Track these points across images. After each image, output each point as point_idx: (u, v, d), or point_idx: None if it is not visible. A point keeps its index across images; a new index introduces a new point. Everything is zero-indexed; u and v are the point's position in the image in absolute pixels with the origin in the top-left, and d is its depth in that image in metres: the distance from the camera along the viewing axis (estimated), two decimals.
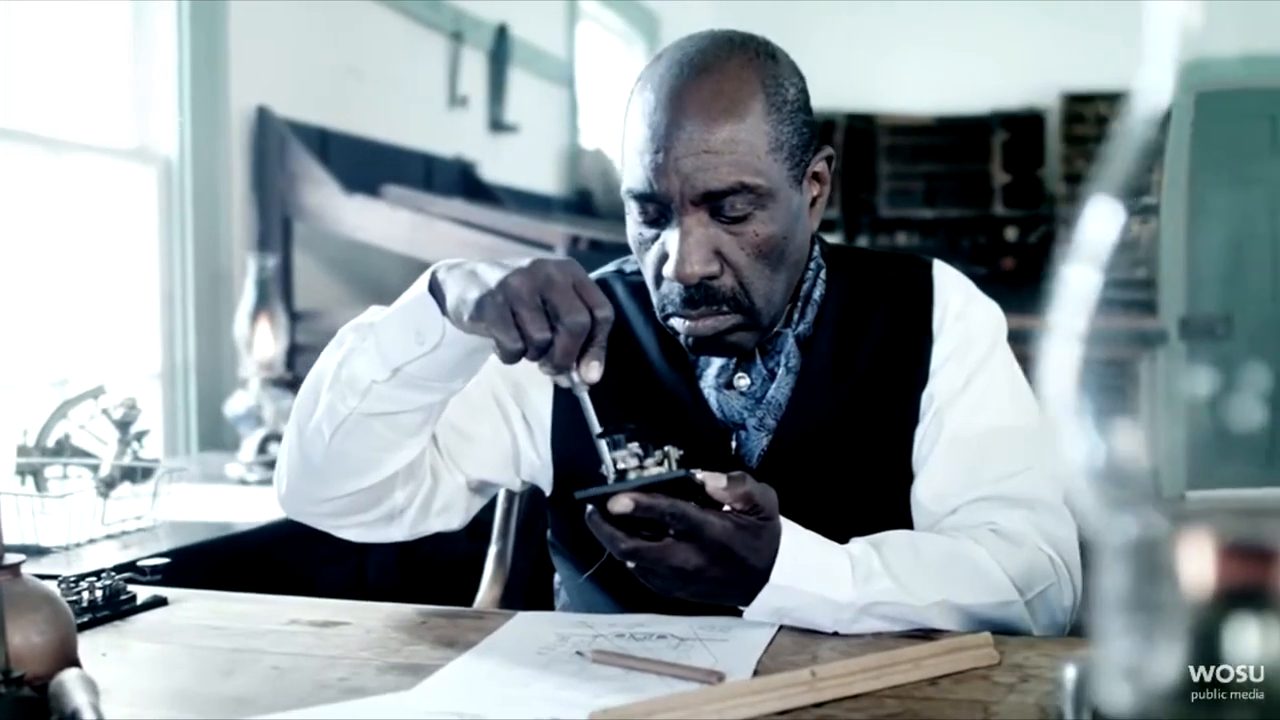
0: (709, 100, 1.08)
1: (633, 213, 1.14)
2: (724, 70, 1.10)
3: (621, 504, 0.95)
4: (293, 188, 2.74)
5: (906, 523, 1.18)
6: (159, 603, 1.19)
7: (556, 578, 1.39)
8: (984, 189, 6.11)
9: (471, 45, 3.83)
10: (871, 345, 1.21)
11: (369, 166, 3.03)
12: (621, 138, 1.16)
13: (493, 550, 1.49)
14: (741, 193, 1.09)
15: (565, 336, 0.95)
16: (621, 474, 0.97)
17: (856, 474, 1.19)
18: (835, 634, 1.04)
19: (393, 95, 3.38)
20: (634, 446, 0.97)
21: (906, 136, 6.04)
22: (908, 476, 1.20)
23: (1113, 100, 5.88)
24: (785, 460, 1.16)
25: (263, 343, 2.42)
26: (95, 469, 1.85)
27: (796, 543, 1.03)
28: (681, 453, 0.98)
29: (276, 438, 2.28)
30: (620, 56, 5.51)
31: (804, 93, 1.16)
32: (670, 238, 1.11)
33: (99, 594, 1.16)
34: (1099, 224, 0.42)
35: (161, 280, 2.55)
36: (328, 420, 1.08)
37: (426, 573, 2.12)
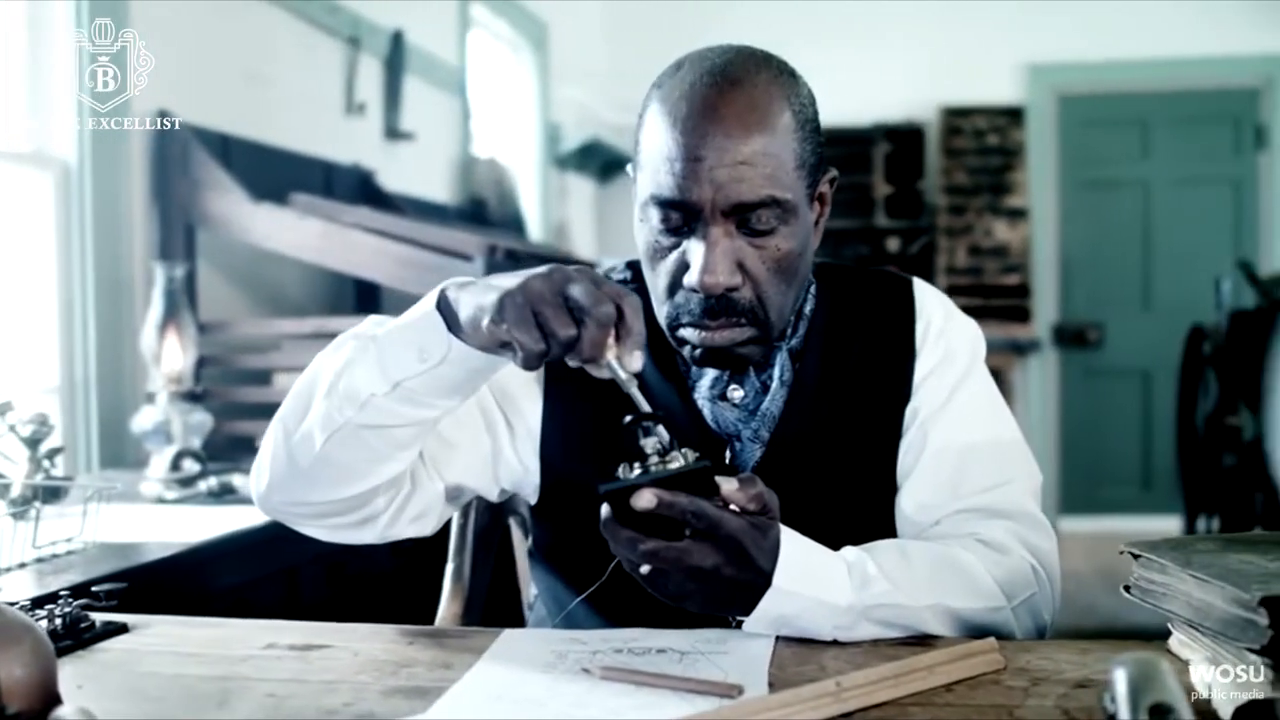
0: (744, 112, 1.09)
1: (651, 220, 1.13)
2: (755, 84, 1.11)
3: (645, 499, 0.95)
4: (196, 195, 2.64)
5: (891, 534, 1.20)
6: (119, 629, 1.14)
7: (532, 591, 1.37)
8: (866, 200, 6.21)
9: (368, 51, 3.76)
10: (857, 359, 1.23)
11: (270, 173, 2.94)
12: (639, 148, 1.15)
13: (450, 566, 1.46)
14: (770, 206, 1.10)
15: (593, 328, 0.94)
16: (645, 471, 0.96)
17: (844, 485, 1.20)
18: (833, 643, 1.05)
19: (292, 101, 3.29)
20: (655, 442, 0.97)
21: None
22: (892, 488, 1.22)
23: (988, 114, 6.06)
24: (778, 471, 1.16)
25: (171, 355, 2.33)
26: (5, 489, 1.75)
27: (795, 547, 1.04)
28: (698, 454, 0.98)
29: (190, 454, 2.20)
30: (508, 65, 5.47)
31: (817, 113, 1.17)
32: (694, 247, 1.11)
33: (58, 622, 1.10)
34: None
35: (60, 290, 2.43)
36: (321, 427, 1.06)
37: (357, 589, 2.07)
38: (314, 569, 1.95)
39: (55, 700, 0.90)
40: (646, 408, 0.98)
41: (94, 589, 1.19)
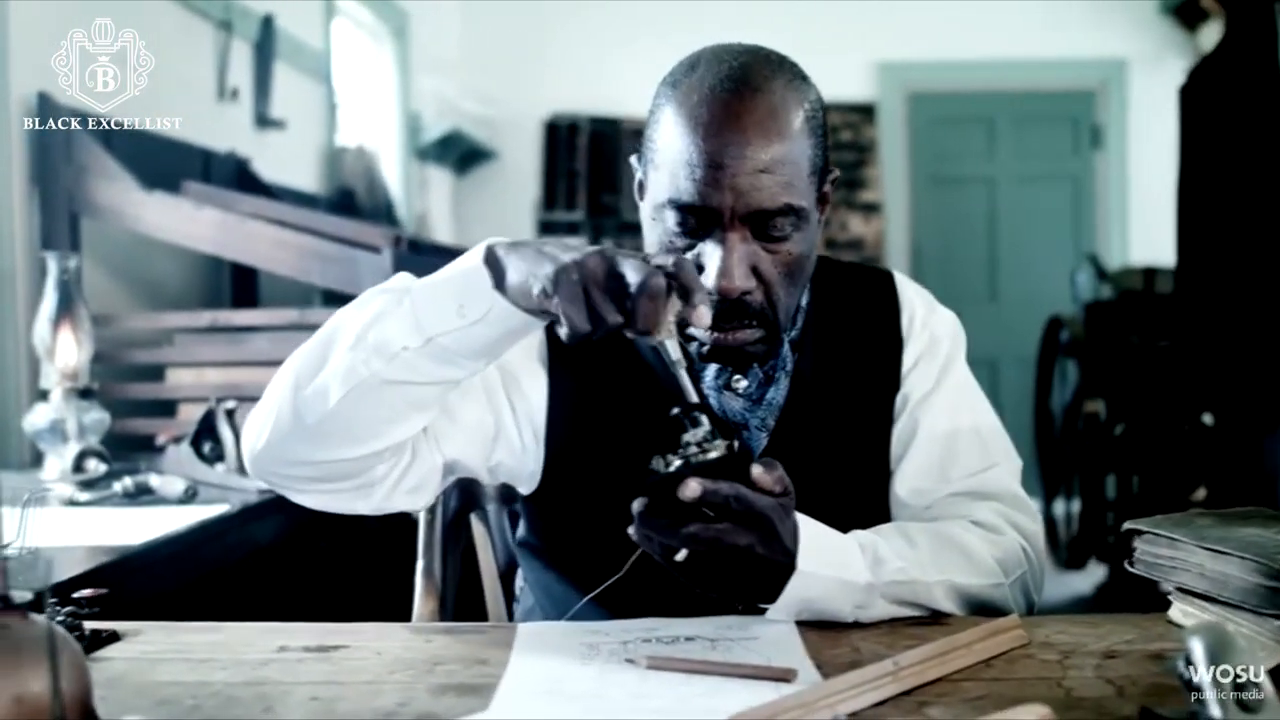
0: (765, 119, 1.10)
1: (668, 221, 1.14)
2: (773, 90, 1.12)
3: (692, 488, 0.96)
4: (81, 182, 2.51)
5: (887, 519, 1.24)
6: (112, 638, 1.09)
7: (519, 582, 1.36)
8: None
9: (239, 36, 3.64)
10: (849, 349, 1.26)
11: (152, 161, 2.81)
12: (653, 145, 1.15)
13: (420, 565, 1.43)
14: (788, 214, 1.12)
15: (645, 301, 0.94)
16: (686, 462, 0.97)
17: (842, 472, 1.23)
18: (854, 625, 1.07)
19: (168, 87, 3.16)
20: (699, 432, 0.98)
21: None
22: (886, 473, 1.25)
23: (841, 111, 6.20)
24: (782, 458, 1.18)
25: (65, 350, 2.22)
26: None
27: (811, 530, 1.07)
28: (728, 441, 0.99)
29: (94, 454, 2.10)
30: (370, 53, 5.36)
31: (825, 115, 1.19)
32: (710, 250, 1.12)
33: None
34: None
35: None
36: (341, 381, 1.04)
37: (286, 587, 2.02)
38: (242, 569, 1.89)
39: (92, 715, 0.85)
40: (691, 391, 1.00)
41: (74, 596, 1.14)
